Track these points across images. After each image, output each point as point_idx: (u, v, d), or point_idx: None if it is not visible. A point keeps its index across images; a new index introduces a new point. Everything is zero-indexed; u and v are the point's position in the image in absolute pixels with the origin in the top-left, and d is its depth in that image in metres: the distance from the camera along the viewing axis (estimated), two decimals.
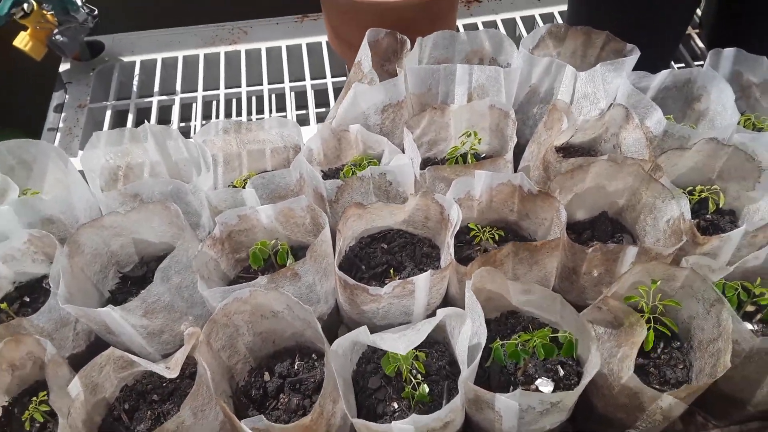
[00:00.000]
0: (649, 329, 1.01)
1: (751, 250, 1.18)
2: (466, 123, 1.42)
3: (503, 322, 1.18)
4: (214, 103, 2.01)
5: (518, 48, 1.49)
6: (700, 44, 2.08)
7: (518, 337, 1.02)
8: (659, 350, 1.12)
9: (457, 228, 1.16)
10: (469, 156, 1.35)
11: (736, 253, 1.20)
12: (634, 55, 1.45)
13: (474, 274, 1.07)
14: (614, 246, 1.11)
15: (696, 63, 2.01)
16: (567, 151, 1.48)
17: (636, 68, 1.46)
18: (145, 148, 1.43)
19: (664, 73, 1.43)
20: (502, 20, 2.10)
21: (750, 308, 1.13)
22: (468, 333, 1.03)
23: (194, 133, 1.55)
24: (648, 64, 1.48)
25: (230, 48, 2.10)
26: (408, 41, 1.53)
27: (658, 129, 1.32)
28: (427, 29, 1.58)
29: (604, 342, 1.07)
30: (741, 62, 1.48)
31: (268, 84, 2.01)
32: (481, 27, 2.08)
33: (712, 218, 1.31)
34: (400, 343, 1.01)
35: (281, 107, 2.02)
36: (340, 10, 1.75)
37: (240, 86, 2.00)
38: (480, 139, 1.36)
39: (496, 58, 1.57)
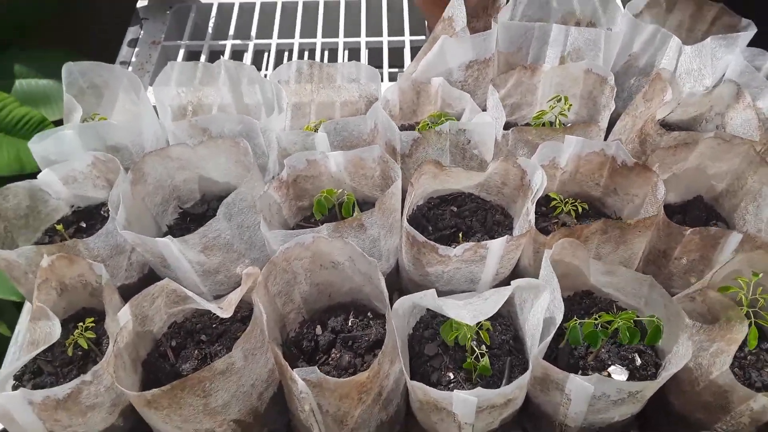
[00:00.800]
0: (749, 325, 0.90)
1: None
2: (556, 87, 1.32)
3: (577, 301, 1.09)
4: (287, 53, 1.96)
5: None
6: None
7: (598, 317, 0.92)
8: (746, 349, 1.01)
9: (539, 195, 1.06)
10: (556, 122, 1.25)
11: None
12: (750, 31, 1.31)
13: (555, 245, 0.98)
14: (716, 230, 1.00)
15: None
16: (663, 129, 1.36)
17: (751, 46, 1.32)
18: (218, 86, 1.39)
19: None
20: None
21: None
22: (544, 306, 0.94)
23: None
24: (764, 44, 1.34)
25: None
26: None
27: None
28: None
29: (692, 335, 0.96)
30: None
31: (344, 37, 1.94)
32: None
33: None
34: (467, 312, 0.93)
35: None
36: None
37: (315, 37, 1.93)
38: (570, 106, 1.25)
39: (595, 23, 1.45)
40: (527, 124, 1.34)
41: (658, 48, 1.36)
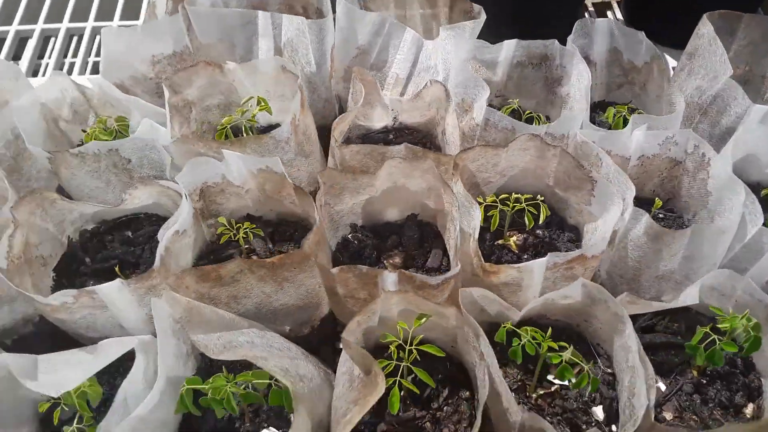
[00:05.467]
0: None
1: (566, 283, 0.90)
2: (255, 86, 1.12)
3: None
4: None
5: None
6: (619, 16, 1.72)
7: None
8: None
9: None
10: (244, 128, 1.05)
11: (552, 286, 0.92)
12: (480, 20, 1.14)
13: None
14: (370, 270, 0.82)
15: None
16: (399, 132, 1.18)
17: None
18: None
19: (509, 43, 1.12)
20: None
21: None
22: None
23: None
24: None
25: None
26: None
27: (479, 116, 1.02)
28: None
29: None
30: (618, 38, 1.17)
31: None
32: None
33: (543, 235, 1.02)
34: None
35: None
36: None
37: None
38: (263, 108, 1.05)
39: (321, 8, 1.25)
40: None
41: (389, 40, 1.18)
